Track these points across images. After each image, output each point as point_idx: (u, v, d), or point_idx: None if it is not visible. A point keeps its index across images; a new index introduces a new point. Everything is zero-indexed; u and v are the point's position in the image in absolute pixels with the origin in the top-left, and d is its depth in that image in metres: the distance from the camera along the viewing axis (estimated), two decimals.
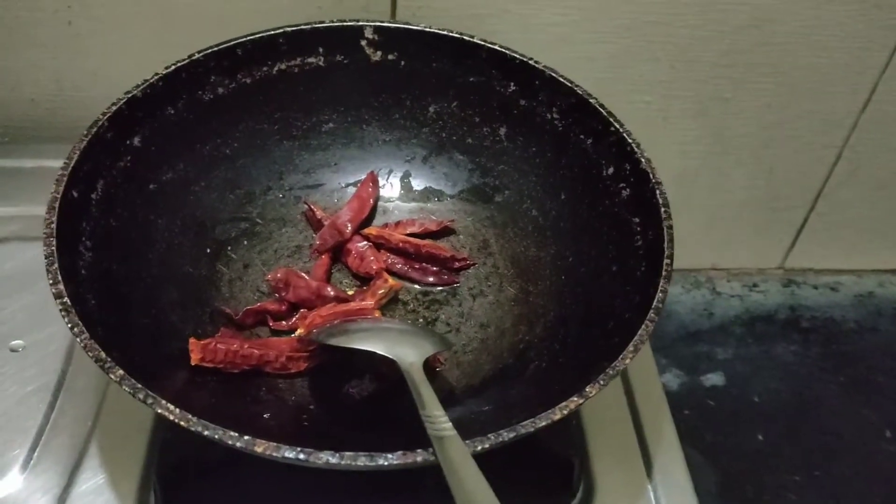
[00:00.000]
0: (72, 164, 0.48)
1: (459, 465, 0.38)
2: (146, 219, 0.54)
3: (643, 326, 0.44)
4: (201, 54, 0.56)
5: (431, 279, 0.58)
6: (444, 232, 0.61)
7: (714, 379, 0.84)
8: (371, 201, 0.61)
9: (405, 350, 0.46)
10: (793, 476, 0.76)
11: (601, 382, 0.42)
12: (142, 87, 0.53)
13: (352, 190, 0.62)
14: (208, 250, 0.57)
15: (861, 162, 0.83)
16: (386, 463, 0.38)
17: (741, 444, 0.79)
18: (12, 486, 0.51)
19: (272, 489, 0.51)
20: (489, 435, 0.39)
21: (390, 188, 0.63)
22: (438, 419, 0.40)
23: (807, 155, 0.82)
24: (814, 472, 0.76)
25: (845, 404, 0.82)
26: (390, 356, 0.45)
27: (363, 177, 0.62)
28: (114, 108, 0.52)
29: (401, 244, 0.59)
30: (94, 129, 0.50)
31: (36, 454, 0.52)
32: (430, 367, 0.52)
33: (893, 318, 0.90)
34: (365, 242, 0.59)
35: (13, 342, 0.57)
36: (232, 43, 0.57)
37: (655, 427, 0.58)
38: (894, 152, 0.83)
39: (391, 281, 0.56)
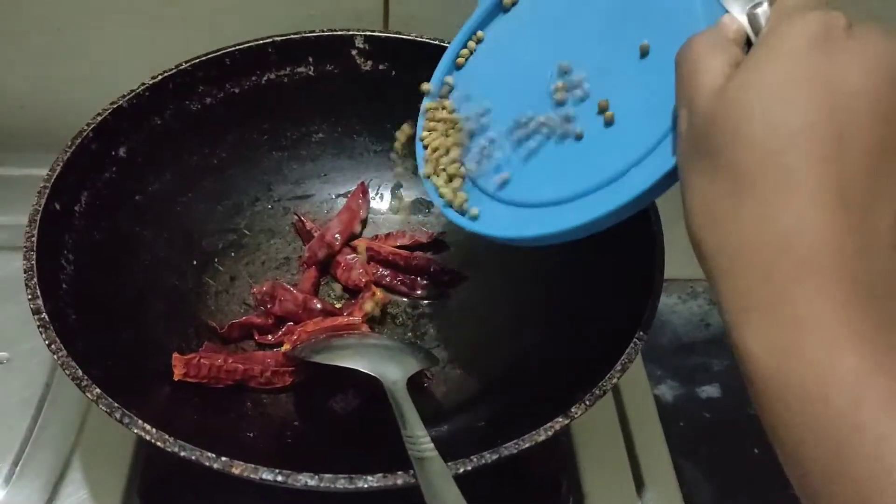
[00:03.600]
0: (54, 176, 0.48)
1: (440, 488, 0.37)
2: (131, 231, 0.53)
3: (631, 345, 0.44)
4: (189, 64, 0.55)
5: (420, 292, 0.58)
6: (435, 244, 0.60)
7: (710, 391, 0.83)
8: (361, 213, 0.61)
9: (389, 368, 0.45)
10: (788, 490, 0.75)
11: (587, 402, 0.41)
12: (128, 98, 0.53)
13: (342, 201, 0.62)
14: (195, 262, 0.56)
15: None
16: (365, 485, 0.37)
17: (736, 457, 0.78)
18: None
19: None
20: (472, 457, 0.38)
21: (380, 199, 0.63)
22: (420, 439, 0.39)
23: None
24: None
25: None
26: (374, 374, 0.45)
27: (353, 187, 0.62)
28: (99, 118, 0.51)
29: (390, 256, 0.58)
30: (79, 140, 0.50)
31: (18, 468, 0.52)
32: (416, 381, 0.51)
33: None
34: (354, 255, 0.58)
35: None
36: (220, 52, 0.57)
37: (647, 442, 0.58)
38: None
39: (379, 294, 0.55)
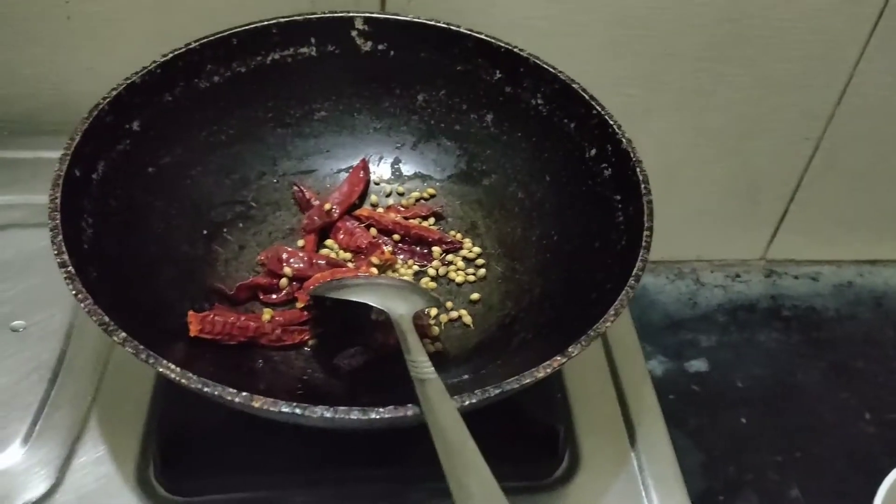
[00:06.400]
0: (74, 144, 0.50)
1: (438, 406, 0.39)
2: (145, 200, 0.56)
3: (623, 292, 0.46)
4: (197, 43, 0.58)
5: (420, 260, 0.60)
6: (433, 215, 0.63)
7: (698, 365, 0.86)
8: (360, 186, 0.63)
9: (397, 303, 0.48)
10: (774, 456, 0.78)
11: (583, 343, 0.43)
12: (140, 74, 0.55)
13: (343, 176, 0.64)
14: (205, 232, 0.58)
15: (838, 154, 0.85)
16: (377, 416, 0.40)
17: (724, 427, 0.81)
18: (13, 458, 0.52)
19: (270, 459, 0.52)
20: (475, 391, 0.41)
21: (381, 174, 0.65)
22: (422, 364, 0.42)
23: (785, 147, 0.85)
24: (795, 453, 0.78)
25: (825, 388, 0.84)
26: (382, 308, 0.48)
27: (355, 163, 0.64)
28: (113, 93, 0.54)
29: (391, 225, 0.61)
30: (95, 113, 0.52)
31: (37, 428, 0.54)
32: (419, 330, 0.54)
33: (872, 306, 0.93)
34: (355, 222, 0.61)
35: (14, 322, 0.59)
36: (227, 33, 0.59)
37: (639, 402, 0.60)
38: (870, 143, 0.85)
39: (387, 253, 0.58)
